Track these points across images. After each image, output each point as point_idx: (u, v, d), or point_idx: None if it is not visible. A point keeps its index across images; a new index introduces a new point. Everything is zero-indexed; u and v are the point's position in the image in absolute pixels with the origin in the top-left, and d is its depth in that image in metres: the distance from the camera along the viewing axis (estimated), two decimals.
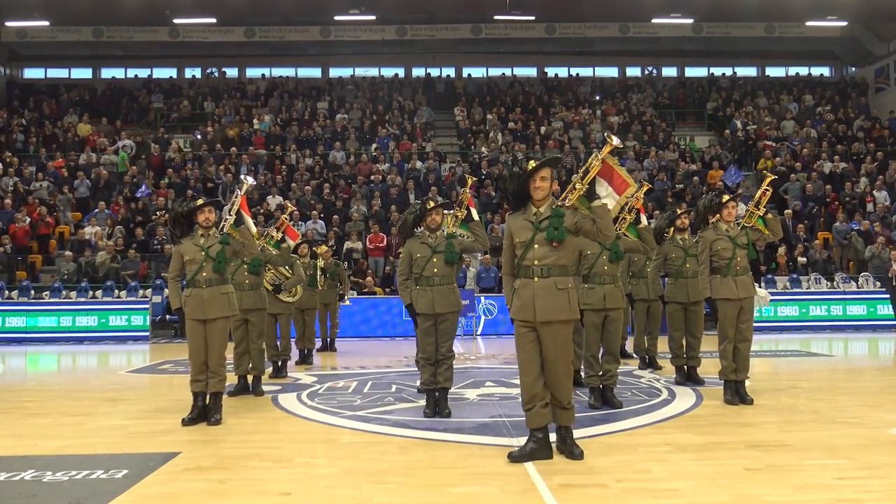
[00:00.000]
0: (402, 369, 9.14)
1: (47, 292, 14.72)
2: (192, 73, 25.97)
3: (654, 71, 26.65)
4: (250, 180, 6.30)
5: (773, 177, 6.94)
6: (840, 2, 21.66)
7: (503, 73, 25.62)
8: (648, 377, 8.14)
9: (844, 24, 23.35)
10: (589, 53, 25.60)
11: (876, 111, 23.96)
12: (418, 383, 6.84)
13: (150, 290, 14.85)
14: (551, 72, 25.89)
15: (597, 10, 23.01)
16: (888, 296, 14.48)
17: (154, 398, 7.42)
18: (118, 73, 25.73)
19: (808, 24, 23.14)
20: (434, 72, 25.79)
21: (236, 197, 6.04)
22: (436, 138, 22.17)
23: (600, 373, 6.37)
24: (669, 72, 26.61)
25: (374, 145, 20.89)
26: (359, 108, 22.95)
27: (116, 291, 14.87)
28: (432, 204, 6.23)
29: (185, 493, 4.02)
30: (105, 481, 4.23)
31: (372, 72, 25.83)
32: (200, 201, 6.01)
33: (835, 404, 6.42)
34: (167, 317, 14.58)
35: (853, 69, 26.38)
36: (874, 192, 18.14)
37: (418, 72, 25.87)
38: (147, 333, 14.16)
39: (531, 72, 26.10)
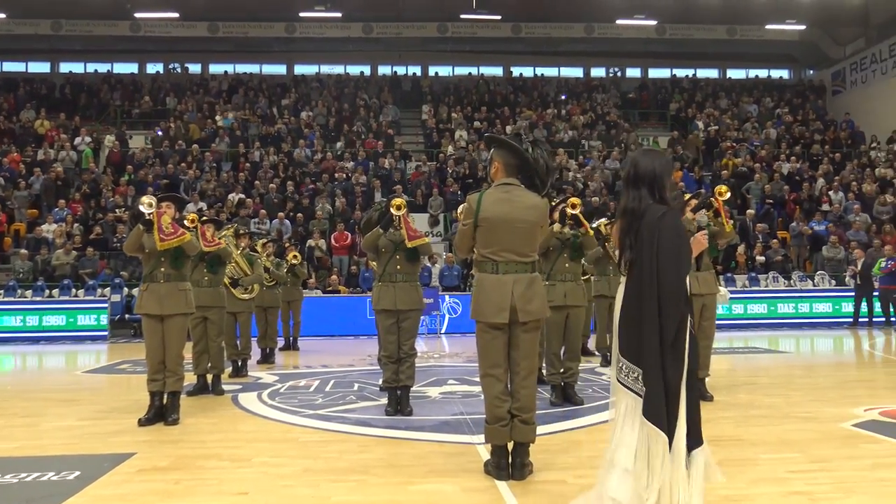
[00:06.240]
0: (366, 368, 9.10)
1: (1, 291, 14.36)
2: (154, 68, 25.58)
3: (619, 72, 26.93)
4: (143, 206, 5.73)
5: (723, 189, 6.83)
6: (799, 6, 22.15)
7: (469, 73, 25.68)
8: (609, 374, 8.20)
9: (803, 27, 23.90)
10: (554, 53, 25.80)
11: (832, 113, 24.53)
12: (380, 381, 6.82)
13: (108, 288, 14.56)
14: (517, 71, 26.01)
15: (562, 11, 23.21)
16: (848, 293, 14.85)
17: (110, 398, 7.27)
18: (77, 67, 25.25)
19: (767, 27, 23.64)
20: (400, 70, 25.74)
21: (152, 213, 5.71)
22: (401, 136, 22.13)
23: (561, 370, 6.41)
24: (633, 73, 26.93)
25: (339, 143, 20.77)
26: (324, 106, 22.81)
27: (74, 290, 14.57)
28: (399, 201, 6.19)
29: (139, 493, 3.95)
30: (57, 483, 4.14)
31: (337, 69, 25.71)
32: (153, 200, 5.81)
33: (789, 400, 6.55)
34: (126, 316, 14.32)
35: (811, 72, 26.97)
36: (830, 192, 18.55)
37: (384, 70, 25.81)
38: (105, 333, 13.89)
39: (497, 71, 26.21)
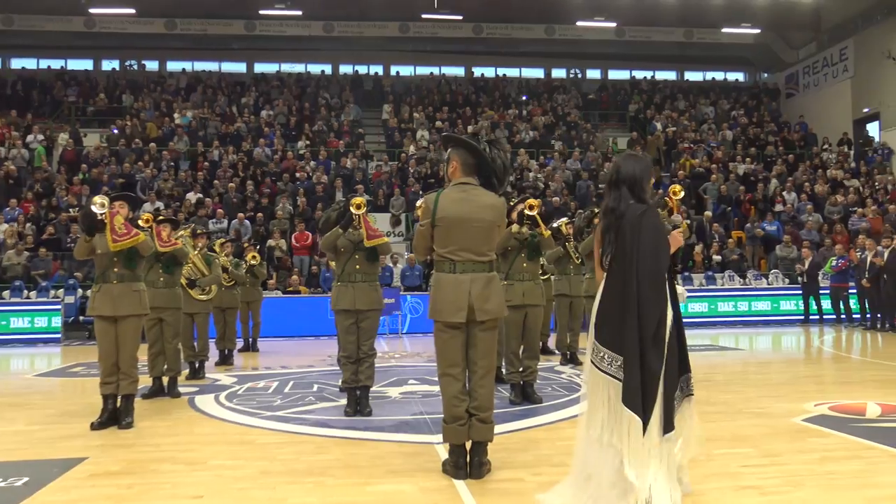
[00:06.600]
0: (325, 368, 9.04)
1: None
2: (110, 65, 25.09)
3: (579, 73, 27.19)
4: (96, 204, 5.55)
5: (677, 189, 6.87)
6: (754, 10, 22.61)
7: (431, 73, 25.68)
8: (569, 372, 8.29)
9: (758, 31, 24.39)
10: (515, 54, 25.94)
11: (786, 115, 25.10)
12: (340, 382, 6.77)
13: (62, 290, 14.22)
14: (478, 72, 26.09)
15: (523, 12, 23.33)
16: (797, 292, 15.23)
17: (63, 402, 7.10)
18: (29, 63, 24.62)
19: (724, 30, 24.07)
20: (362, 69, 25.63)
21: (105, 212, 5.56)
22: (363, 136, 22.03)
23: (520, 369, 6.45)
24: (593, 74, 27.22)
25: (300, 143, 20.59)
26: (284, 105, 22.60)
27: (26, 292, 14.20)
28: (359, 200, 6.16)
29: (90, 499, 3.87)
30: (3, 490, 4.03)
31: (298, 68, 25.50)
32: (105, 200, 5.67)
33: (744, 395, 6.69)
34: (80, 318, 14.01)
35: (766, 75, 27.56)
36: (784, 192, 18.96)
37: (345, 69, 25.68)
38: (59, 336, 13.56)
39: (459, 71, 26.27)
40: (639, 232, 3.41)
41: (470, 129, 20.82)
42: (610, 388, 3.42)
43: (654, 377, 3.35)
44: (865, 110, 22.77)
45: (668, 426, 3.38)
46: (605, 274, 3.55)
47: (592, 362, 3.51)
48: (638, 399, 3.30)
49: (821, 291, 14.92)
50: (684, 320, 3.71)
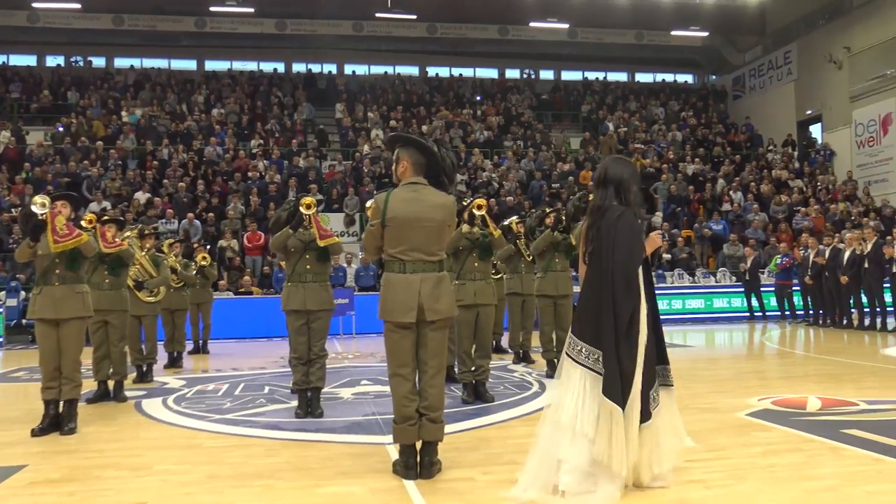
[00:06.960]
0: (277, 370, 8.94)
1: None
2: (55, 61, 24.40)
3: (532, 73, 27.41)
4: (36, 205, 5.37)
5: None
6: (702, 14, 23.11)
7: (385, 72, 25.59)
8: (521, 371, 8.35)
9: (706, 34, 24.92)
10: (470, 54, 26.02)
11: (733, 117, 25.70)
12: (291, 384, 6.71)
13: (3, 292, 13.78)
14: (433, 71, 26.10)
15: (477, 12, 23.42)
16: (742, 289, 15.61)
17: (3, 408, 6.87)
18: None
19: (673, 33, 24.52)
20: (315, 68, 25.41)
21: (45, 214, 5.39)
22: (326, 135, 21.83)
23: (472, 368, 6.47)
24: (546, 74, 27.46)
25: (253, 141, 20.32)
26: (236, 103, 22.27)
27: None
28: (309, 200, 6.11)
29: None
30: None
31: (250, 66, 25.16)
32: (46, 199, 5.50)
33: (692, 391, 6.81)
34: (23, 321, 13.59)
35: (713, 77, 28.17)
36: (731, 192, 19.41)
37: (299, 67, 25.44)
38: (0, 340, 13.14)
39: (413, 71, 26.23)
40: (615, 232, 3.67)
41: (424, 128, 20.83)
42: (587, 380, 3.63)
43: (630, 371, 3.58)
44: (808, 112, 23.45)
45: (644, 416, 3.62)
46: (586, 269, 3.79)
47: (568, 355, 3.73)
48: (618, 390, 3.54)
49: (765, 289, 15.33)
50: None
